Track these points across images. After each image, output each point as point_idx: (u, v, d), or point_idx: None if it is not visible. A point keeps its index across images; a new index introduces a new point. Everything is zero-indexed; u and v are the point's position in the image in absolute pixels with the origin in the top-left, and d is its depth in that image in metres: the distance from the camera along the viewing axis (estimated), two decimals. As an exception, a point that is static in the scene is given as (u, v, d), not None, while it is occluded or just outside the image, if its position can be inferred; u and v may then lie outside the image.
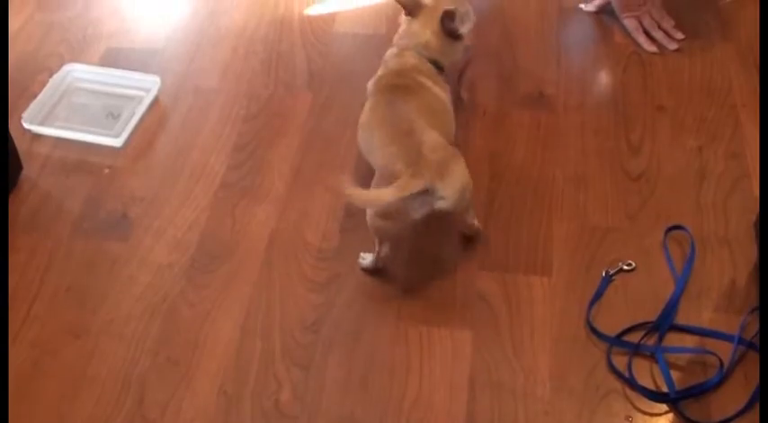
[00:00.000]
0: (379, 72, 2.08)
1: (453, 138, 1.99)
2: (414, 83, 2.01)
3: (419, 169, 1.77)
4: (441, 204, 1.80)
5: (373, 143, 1.93)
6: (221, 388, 1.75)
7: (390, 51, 2.11)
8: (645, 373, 1.77)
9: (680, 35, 2.49)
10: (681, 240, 1.99)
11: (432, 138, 1.85)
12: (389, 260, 1.93)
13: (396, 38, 2.12)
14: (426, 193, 1.77)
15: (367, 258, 1.94)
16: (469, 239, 2.00)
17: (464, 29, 2.10)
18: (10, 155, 2.10)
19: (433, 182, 1.77)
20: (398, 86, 2.00)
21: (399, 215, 1.81)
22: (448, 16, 2.04)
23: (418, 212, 1.81)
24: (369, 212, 1.85)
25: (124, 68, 2.39)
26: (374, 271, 1.94)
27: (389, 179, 1.78)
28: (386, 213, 1.82)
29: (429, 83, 2.03)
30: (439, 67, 2.08)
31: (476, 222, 1.99)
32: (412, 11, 2.09)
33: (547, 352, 1.80)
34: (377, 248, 1.91)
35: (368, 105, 2.01)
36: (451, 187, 1.80)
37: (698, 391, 1.73)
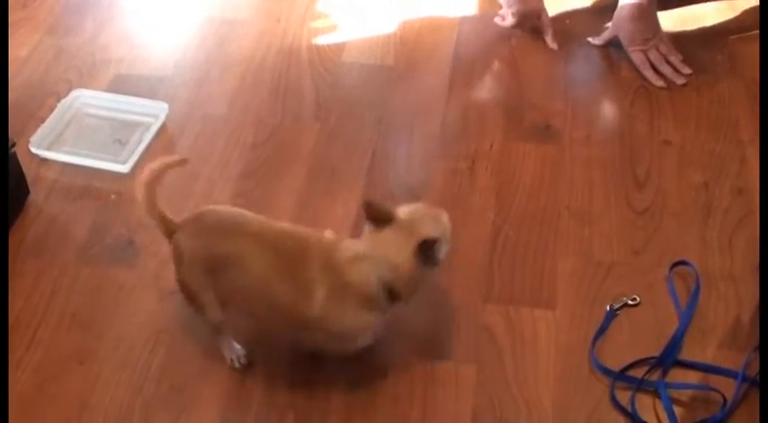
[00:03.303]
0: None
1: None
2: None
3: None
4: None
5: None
6: (224, 415, 1.75)
7: (349, 249, 1.69)
8: (648, 408, 1.76)
9: (687, 70, 2.49)
10: (686, 276, 1.99)
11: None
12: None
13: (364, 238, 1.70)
14: None
15: None
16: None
17: (442, 254, 1.68)
18: (17, 179, 2.11)
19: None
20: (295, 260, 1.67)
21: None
22: (427, 246, 1.63)
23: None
24: None
25: (132, 95, 2.39)
26: None
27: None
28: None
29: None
30: (394, 296, 1.68)
31: None
32: (381, 223, 1.66)
33: (550, 386, 1.79)
34: None
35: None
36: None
37: (701, 428, 1.72)
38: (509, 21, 2.63)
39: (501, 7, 2.64)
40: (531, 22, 2.63)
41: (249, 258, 1.67)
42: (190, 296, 1.76)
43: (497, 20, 2.65)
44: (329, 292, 1.64)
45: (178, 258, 1.74)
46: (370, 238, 1.67)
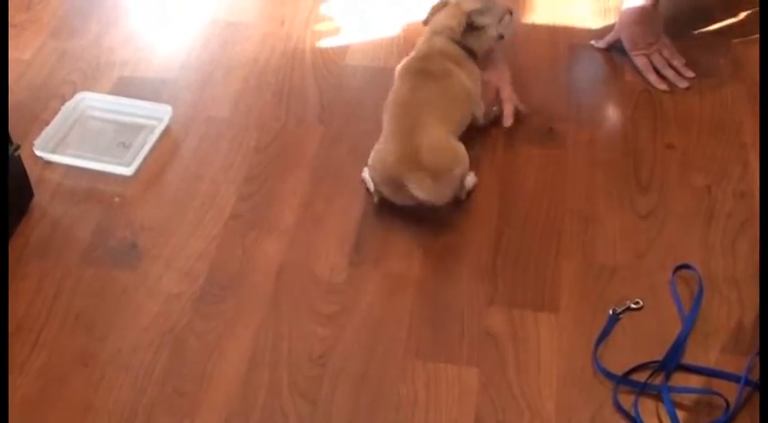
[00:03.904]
0: (410, 55, 2.22)
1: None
2: (438, 68, 2.15)
3: (409, 164, 1.98)
4: (423, 197, 1.98)
5: (384, 126, 2.10)
6: (227, 420, 1.75)
7: (421, 38, 2.25)
8: (651, 412, 1.76)
9: (690, 74, 2.49)
10: (689, 279, 1.99)
11: (433, 138, 2.01)
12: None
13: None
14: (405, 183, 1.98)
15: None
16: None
17: (485, 20, 2.23)
18: (21, 182, 2.11)
19: (422, 180, 1.96)
20: (422, 71, 2.14)
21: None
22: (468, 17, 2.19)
23: (398, 198, 2.05)
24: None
25: (136, 97, 2.39)
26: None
27: (380, 168, 2.03)
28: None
29: (455, 68, 2.16)
30: (470, 51, 2.22)
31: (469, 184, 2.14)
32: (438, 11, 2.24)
33: (553, 390, 1.79)
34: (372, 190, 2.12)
35: (393, 88, 2.17)
36: (440, 188, 2.00)
37: (704, 432, 1.73)
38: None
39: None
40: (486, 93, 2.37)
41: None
42: None
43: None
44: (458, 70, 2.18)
45: None
46: (434, 18, 2.25)
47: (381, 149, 2.06)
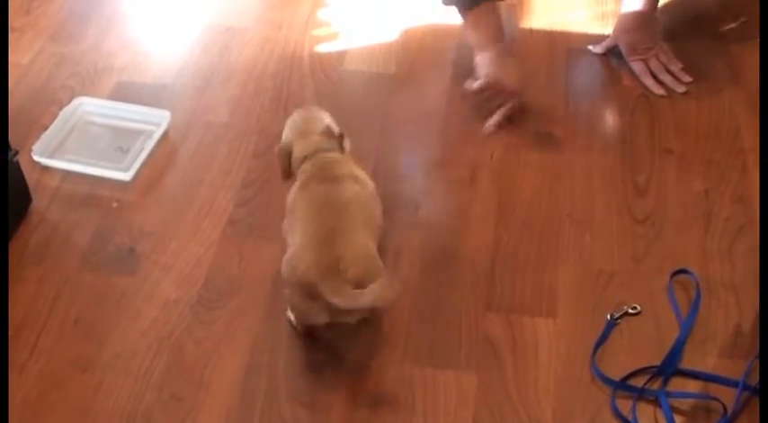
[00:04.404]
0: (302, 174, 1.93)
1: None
2: (345, 172, 1.91)
3: (336, 286, 1.69)
4: (344, 306, 1.70)
5: (294, 233, 1.84)
6: (225, 425, 1.76)
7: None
8: (649, 417, 1.76)
9: (688, 78, 2.50)
10: (686, 284, 1.99)
11: (354, 247, 1.76)
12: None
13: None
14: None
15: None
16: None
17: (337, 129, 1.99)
18: (20, 187, 2.11)
19: (344, 291, 1.68)
20: (329, 177, 1.88)
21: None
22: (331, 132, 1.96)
23: (317, 317, 1.78)
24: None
25: (134, 102, 2.40)
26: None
27: (293, 276, 1.75)
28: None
29: (358, 171, 1.95)
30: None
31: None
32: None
33: (551, 396, 1.80)
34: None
35: (296, 187, 1.92)
36: (362, 302, 1.68)
37: (702, 437, 1.73)
38: (475, 83, 2.37)
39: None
40: (497, 97, 2.38)
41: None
42: None
43: (467, 84, 2.41)
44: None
45: None
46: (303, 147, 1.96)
47: (293, 258, 1.78)
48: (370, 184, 1.95)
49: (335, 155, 1.94)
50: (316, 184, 1.87)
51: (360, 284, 1.68)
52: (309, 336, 1.88)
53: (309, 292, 1.72)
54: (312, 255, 1.73)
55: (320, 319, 1.77)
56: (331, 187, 1.86)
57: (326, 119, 2.01)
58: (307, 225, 1.81)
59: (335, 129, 1.98)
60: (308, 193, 1.87)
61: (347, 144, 1.98)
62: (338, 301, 1.67)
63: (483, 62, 2.37)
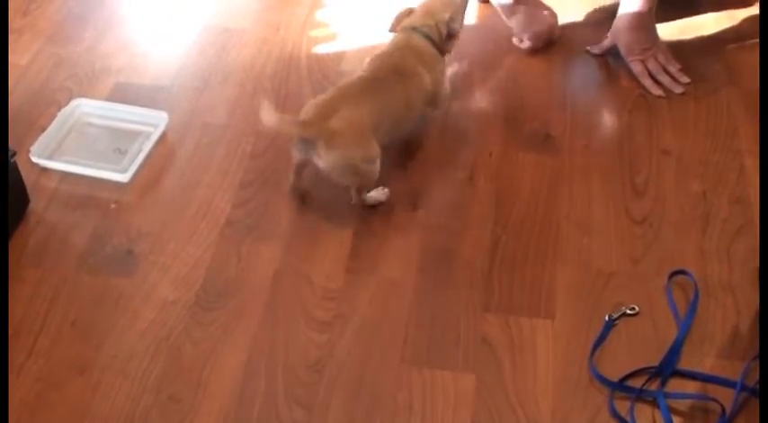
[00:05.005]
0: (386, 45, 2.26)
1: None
2: (408, 67, 2.18)
3: (312, 123, 2.00)
4: (318, 163, 2.03)
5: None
6: (223, 427, 1.76)
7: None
8: (647, 418, 1.77)
9: (686, 79, 2.50)
10: (684, 285, 1.99)
11: (350, 114, 2.02)
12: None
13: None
14: (308, 143, 2.02)
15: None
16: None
17: (457, 26, 2.28)
18: (18, 188, 2.11)
19: (317, 141, 1.99)
20: (390, 66, 2.19)
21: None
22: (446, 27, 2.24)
23: (298, 154, 2.07)
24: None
25: (132, 104, 2.39)
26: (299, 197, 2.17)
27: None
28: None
29: (423, 71, 2.19)
30: (442, 52, 2.27)
31: (365, 199, 2.13)
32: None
33: (549, 397, 1.80)
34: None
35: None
36: (331, 156, 2.00)
37: (700, 438, 1.73)
38: (526, 44, 2.62)
39: (499, 16, 2.64)
40: (547, 40, 2.63)
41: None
42: None
43: (515, 41, 2.64)
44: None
45: None
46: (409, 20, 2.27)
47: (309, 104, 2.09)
48: (428, 87, 2.20)
49: (427, 47, 2.23)
50: (380, 59, 2.21)
51: (332, 141, 1.99)
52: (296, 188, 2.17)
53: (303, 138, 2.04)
54: (314, 105, 2.07)
55: (295, 153, 2.09)
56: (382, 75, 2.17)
57: (448, 17, 2.25)
58: (346, 84, 2.15)
59: (450, 29, 2.25)
60: (372, 62, 2.21)
61: (452, 47, 2.29)
62: (316, 156, 2.01)
63: (518, 24, 2.63)
